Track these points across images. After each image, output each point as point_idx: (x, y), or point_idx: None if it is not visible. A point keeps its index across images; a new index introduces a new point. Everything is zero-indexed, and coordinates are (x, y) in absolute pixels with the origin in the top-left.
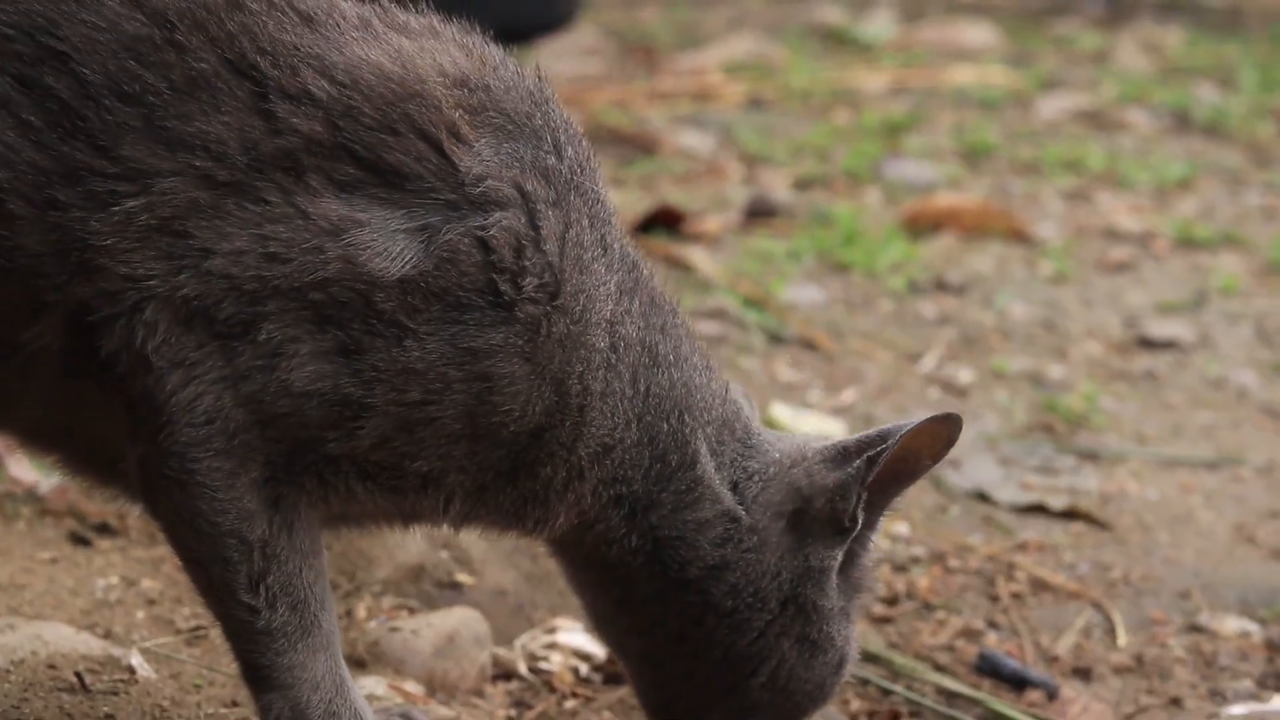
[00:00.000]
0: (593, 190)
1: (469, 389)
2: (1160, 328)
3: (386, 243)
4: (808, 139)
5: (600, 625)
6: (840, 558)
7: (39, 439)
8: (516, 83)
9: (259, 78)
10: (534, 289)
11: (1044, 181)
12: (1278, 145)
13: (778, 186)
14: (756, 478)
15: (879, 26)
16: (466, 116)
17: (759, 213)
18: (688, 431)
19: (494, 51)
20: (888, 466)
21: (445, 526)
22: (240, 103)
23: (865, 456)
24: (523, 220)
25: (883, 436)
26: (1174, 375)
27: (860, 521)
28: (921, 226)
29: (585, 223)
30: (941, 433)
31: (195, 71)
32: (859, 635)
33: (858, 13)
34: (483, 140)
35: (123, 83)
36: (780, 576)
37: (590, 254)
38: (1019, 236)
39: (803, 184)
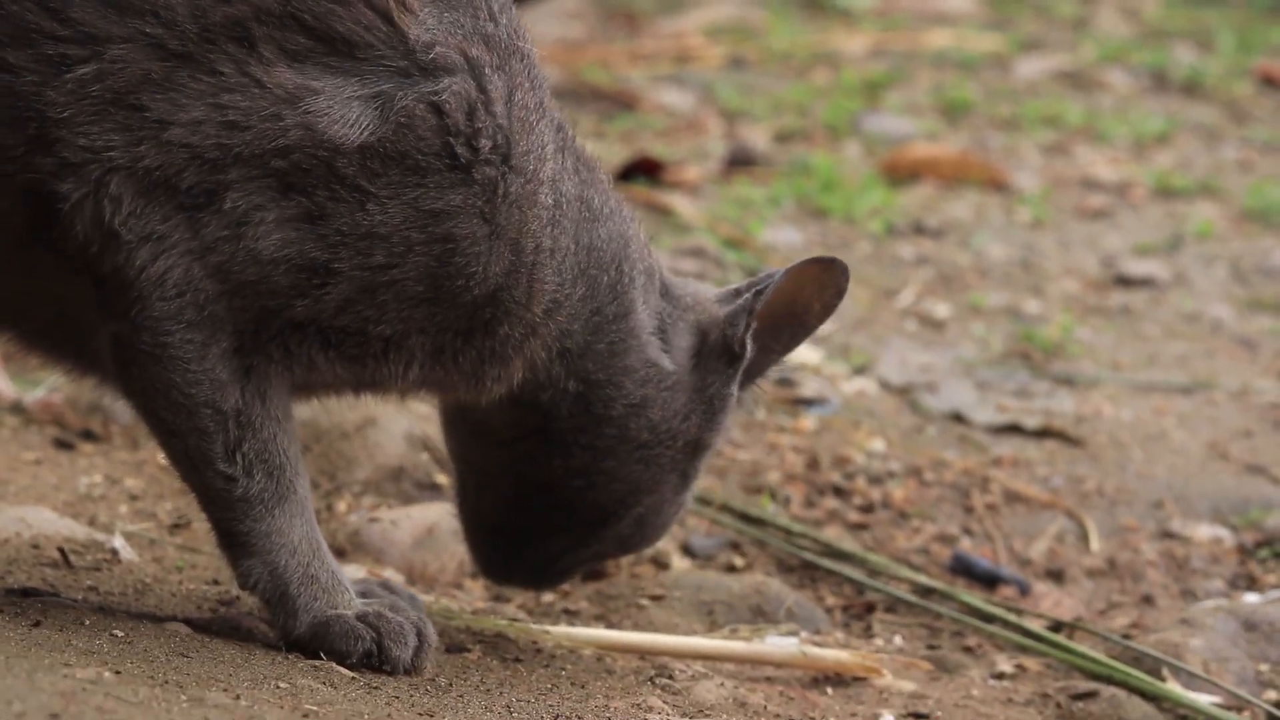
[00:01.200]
0: (530, 54)
1: (430, 250)
2: (1137, 266)
3: (343, 110)
4: (787, 97)
5: (469, 439)
6: (735, 392)
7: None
8: None
9: None
10: (488, 150)
11: (1022, 136)
12: (1254, 103)
13: (758, 139)
14: (674, 321)
15: None
16: None
17: (739, 162)
18: (625, 282)
19: None
20: (778, 305)
21: (399, 394)
22: None
23: (753, 290)
24: (471, 84)
25: (769, 275)
26: (1150, 310)
27: (749, 348)
28: (900, 175)
29: (527, 85)
30: (828, 279)
31: None
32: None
33: None
34: (427, 10)
35: None
36: (690, 415)
37: (534, 115)
38: (997, 185)
39: (782, 137)
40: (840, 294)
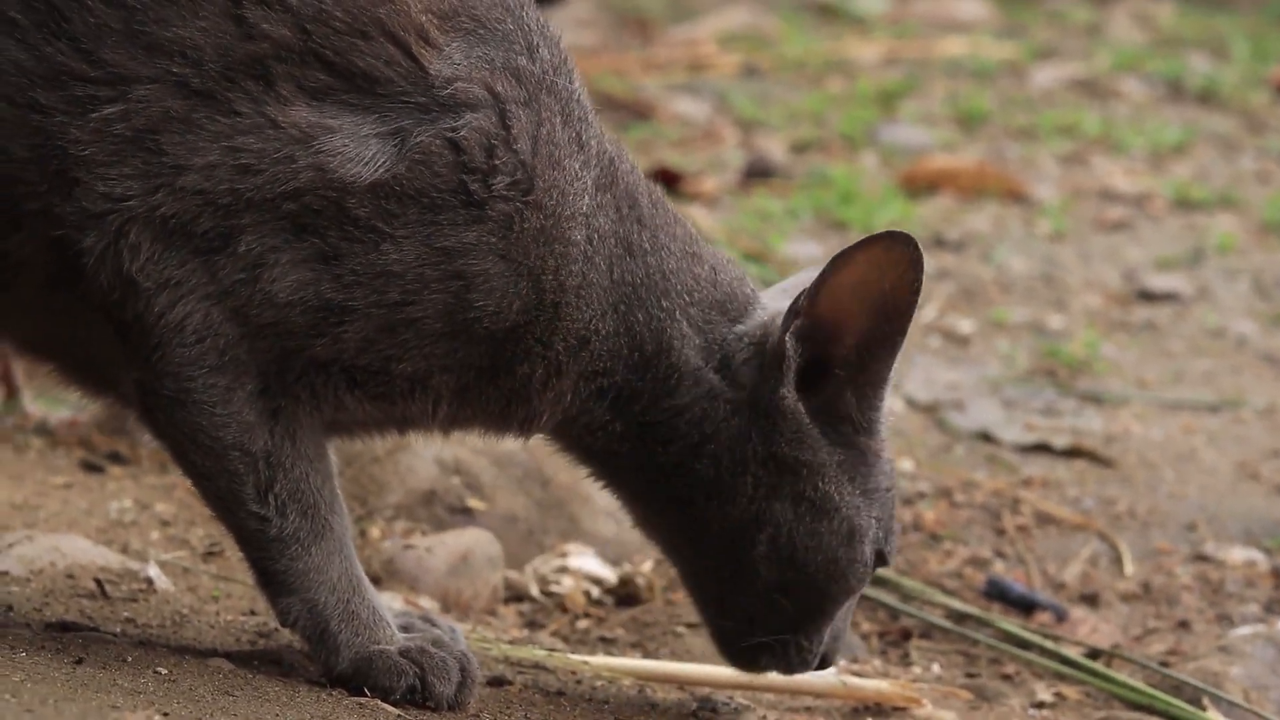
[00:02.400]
0: (567, 89)
1: (446, 288)
2: (1159, 281)
3: (359, 148)
4: (803, 106)
5: (641, 525)
6: (791, 394)
7: (34, 349)
8: None
9: None
10: (505, 187)
11: (1039, 146)
12: (1271, 112)
13: (774, 150)
14: (742, 344)
15: (871, 0)
16: (436, 21)
17: (756, 173)
18: (664, 318)
19: None
20: (841, 296)
21: (436, 431)
22: (216, 7)
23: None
24: (493, 120)
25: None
26: (1174, 325)
27: (789, 347)
28: (918, 187)
29: (558, 120)
30: (894, 256)
31: None
32: (878, 523)
33: None
34: (454, 44)
35: None
36: (752, 433)
37: (564, 150)
38: (1016, 196)
39: (799, 147)
40: (918, 267)
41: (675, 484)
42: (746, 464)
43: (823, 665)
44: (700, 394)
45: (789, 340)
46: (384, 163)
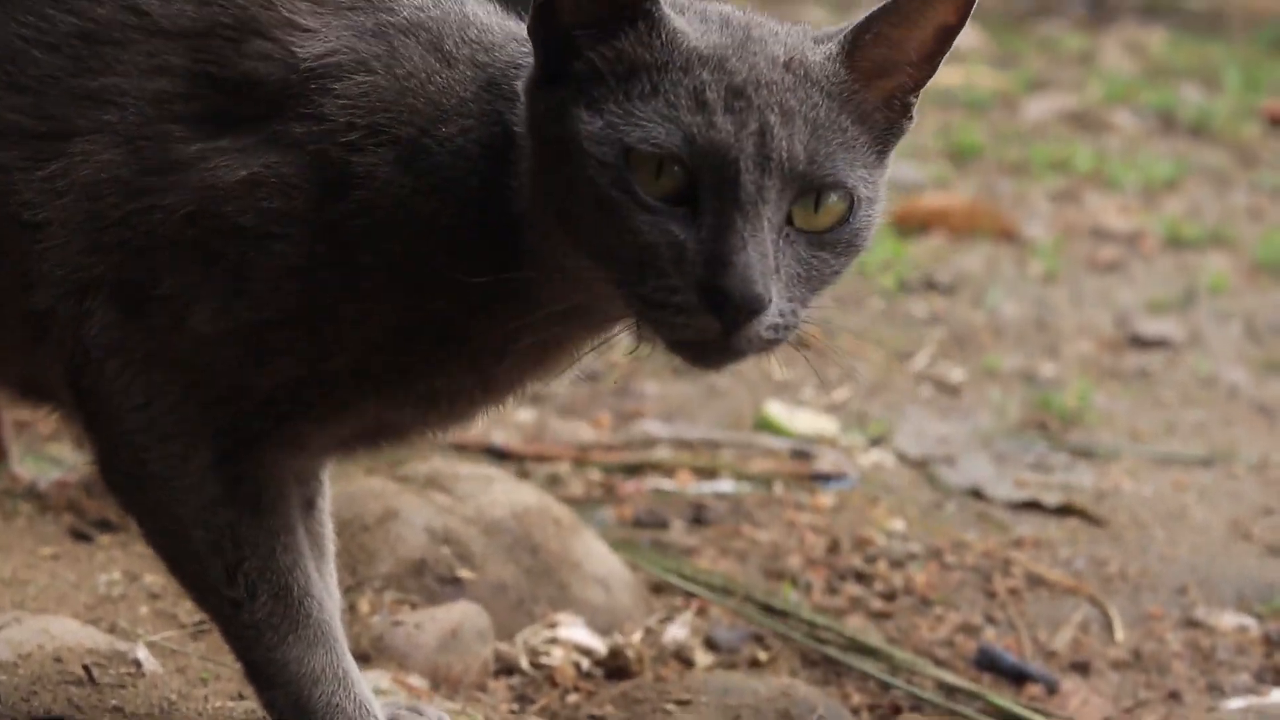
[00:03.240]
0: (435, 20)
1: (345, 262)
2: (1151, 326)
3: (242, 156)
4: None
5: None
6: None
7: (29, 394)
8: None
9: (145, 14)
10: (374, 143)
11: (1031, 181)
12: (1262, 145)
13: None
14: None
15: None
16: (307, 6)
17: None
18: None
19: None
20: None
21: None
22: (136, 46)
23: None
24: (358, 79)
25: None
26: (1165, 373)
27: None
28: (910, 226)
29: (417, 53)
30: None
31: (97, 17)
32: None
33: (843, 14)
34: (324, 23)
35: (45, 33)
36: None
37: (425, 76)
38: (1008, 236)
39: None
40: None
41: None
42: None
43: (719, 301)
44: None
45: None
46: (259, 157)
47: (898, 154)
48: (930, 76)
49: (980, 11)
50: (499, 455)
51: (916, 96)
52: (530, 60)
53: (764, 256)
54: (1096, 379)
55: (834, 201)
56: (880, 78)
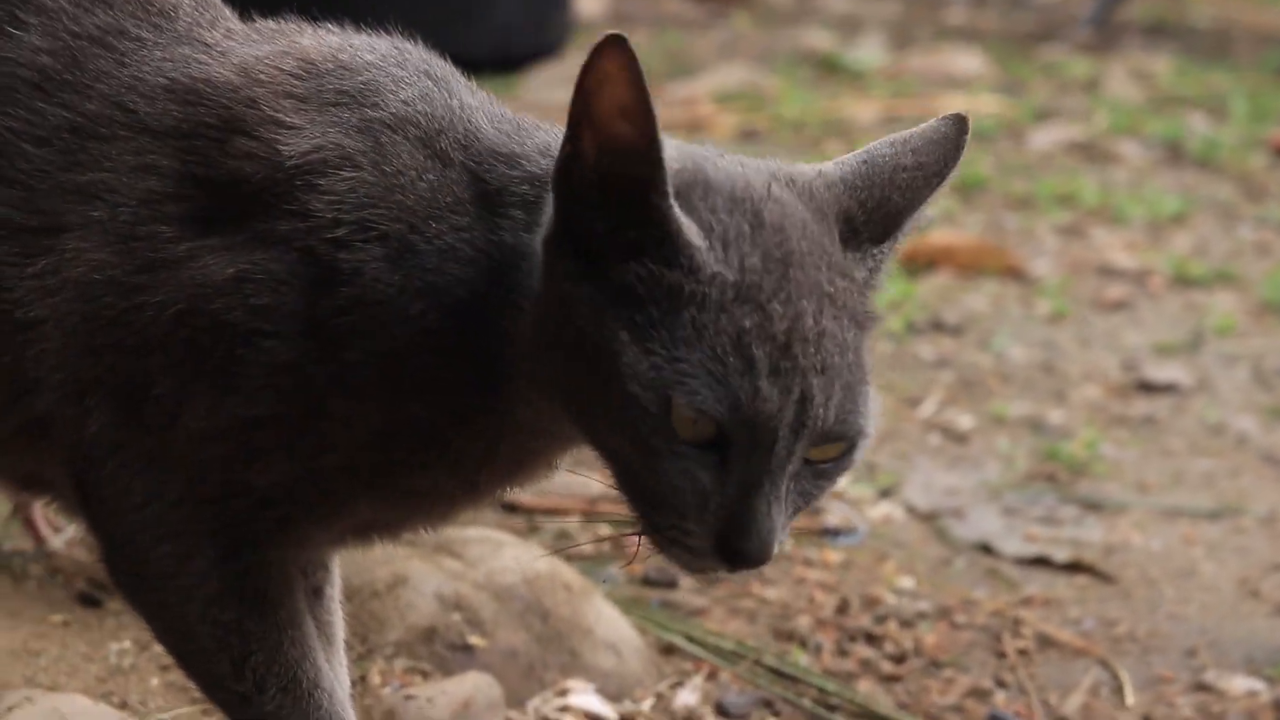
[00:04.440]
0: (423, 115)
1: (336, 358)
2: (1158, 370)
3: (229, 255)
4: None
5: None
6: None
7: (31, 487)
8: (360, 55)
9: (132, 112)
10: (362, 240)
11: (1038, 216)
12: (1269, 177)
13: None
14: None
15: (869, 53)
16: (291, 104)
17: None
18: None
19: (356, 37)
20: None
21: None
22: (124, 142)
23: None
24: (342, 176)
25: None
26: (1173, 420)
27: None
28: (918, 264)
29: (405, 149)
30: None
31: (86, 112)
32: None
33: (847, 39)
34: (309, 119)
35: (35, 126)
36: None
37: (413, 174)
38: (1014, 274)
39: None
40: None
41: None
42: None
43: (733, 558)
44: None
45: None
46: (246, 254)
47: None
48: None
49: (983, 33)
50: (508, 509)
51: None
52: (523, 185)
53: (781, 513)
54: (1104, 426)
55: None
56: None
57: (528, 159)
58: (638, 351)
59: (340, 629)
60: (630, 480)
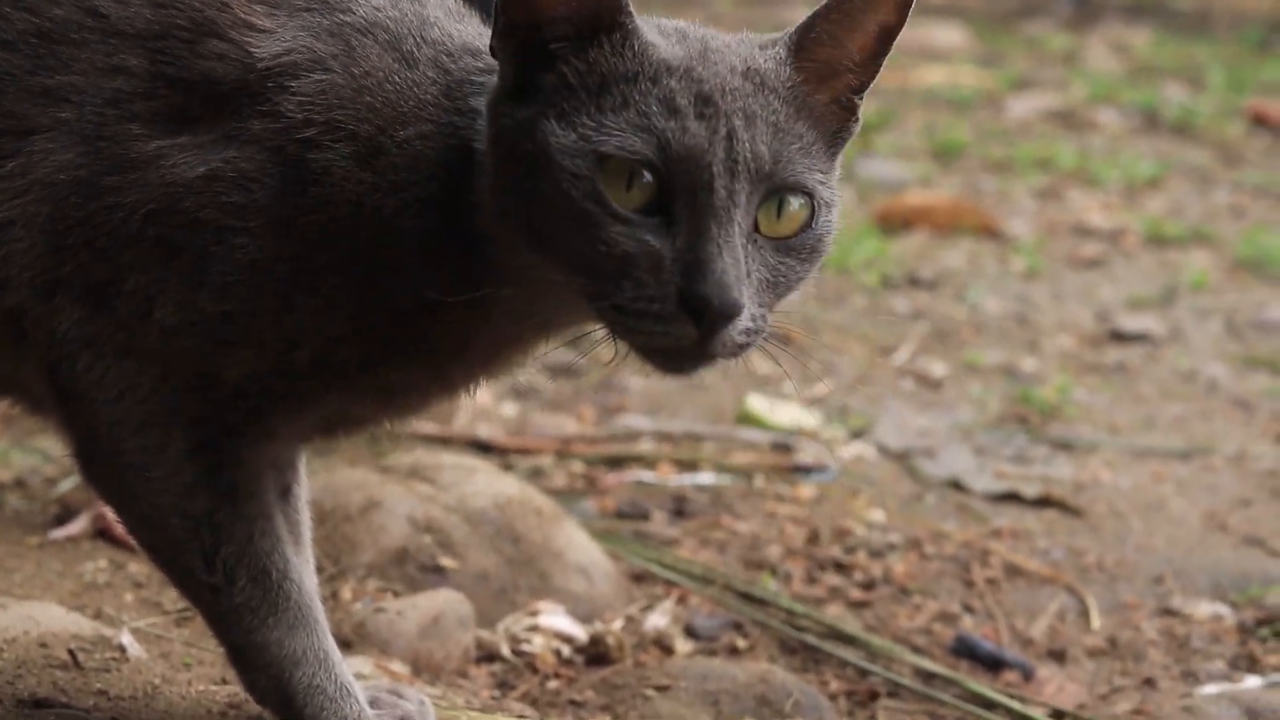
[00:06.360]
0: (393, 20)
1: (305, 257)
2: (1131, 321)
3: (200, 152)
4: None
5: None
6: None
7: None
8: None
9: (103, 16)
10: (331, 139)
11: (1015, 179)
12: (1245, 144)
13: None
14: None
15: None
16: (262, 8)
17: None
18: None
19: None
20: None
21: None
22: (92, 47)
23: None
24: (315, 77)
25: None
26: (1145, 368)
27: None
28: (894, 224)
29: (375, 53)
30: None
31: (54, 17)
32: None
33: None
34: (280, 24)
35: (2, 31)
36: None
37: (384, 75)
38: (990, 233)
39: None
40: None
41: None
42: None
43: (697, 306)
44: None
45: None
46: (218, 153)
47: (883, 151)
48: (874, 77)
49: (966, 10)
50: (483, 448)
51: (861, 97)
52: (490, 76)
53: (737, 262)
54: (1076, 374)
55: (796, 208)
56: (827, 79)
57: (488, 51)
58: (564, 128)
59: (308, 528)
60: (589, 270)
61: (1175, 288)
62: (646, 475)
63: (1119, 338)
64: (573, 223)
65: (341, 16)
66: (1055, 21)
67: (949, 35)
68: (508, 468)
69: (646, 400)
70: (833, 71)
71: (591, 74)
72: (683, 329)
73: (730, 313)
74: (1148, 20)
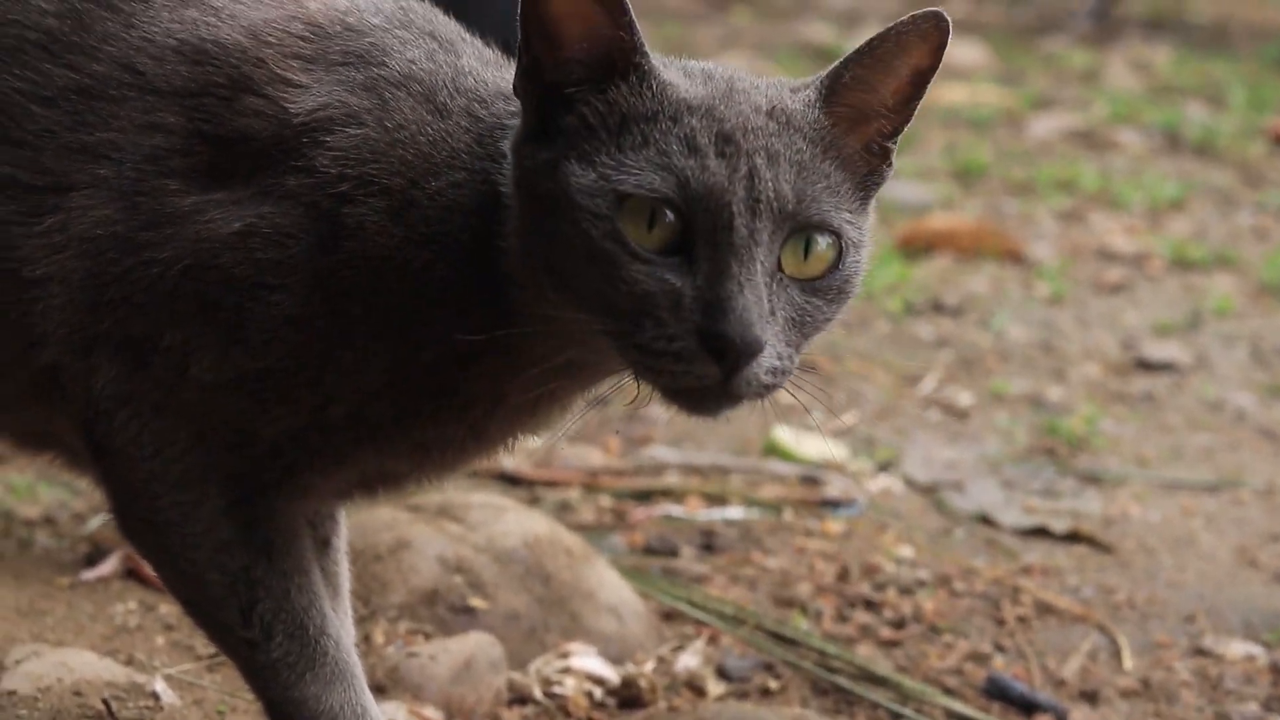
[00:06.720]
0: (427, 71)
1: (342, 310)
2: (1157, 350)
3: (235, 208)
4: None
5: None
6: None
7: (28, 444)
8: (366, 18)
9: (140, 73)
10: (365, 194)
11: (1037, 201)
12: (1267, 165)
13: None
14: None
15: None
16: (298, 64)
17: None
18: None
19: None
20: None
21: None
22: (131, 104)
23: None
24: (349, 132)
25: None
26: (1172, 397)
27: None
28: (917, 247)
29: (407, 105)
30: None
31: (93, 74)
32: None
33: (846, 30)
34: (316, 79)
35: (42, 87)
36: None
37: (417, 127)
38: (1014, 257)
39: None
40: None
41: None
42: None
43: (718, 344)
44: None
45: None
46: (253, 209)
47: (905, 173)
48: (907, 122)
49: (985, 28)
50: (510, 481)
51: (895, 142)
52: (516, 119)
53: (760, 300)
54: (1103, 403)
55: (824, 248)
56: (859, 124)
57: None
58: (584, 168)
59: (346, 580)
60: (610, 310)
61: (1200, 313)
62: (675, 509)
63: (1145, 366)
64: (592, 263)
65: (376, 71)
66: (1074, 37)
67: (969, 53)
68: (535, 500)
69: (672, 431)
70: (864, 117)
71: (612, 114)
72: (705, 368)
73: (753, 350)
74: (1166, 35)
